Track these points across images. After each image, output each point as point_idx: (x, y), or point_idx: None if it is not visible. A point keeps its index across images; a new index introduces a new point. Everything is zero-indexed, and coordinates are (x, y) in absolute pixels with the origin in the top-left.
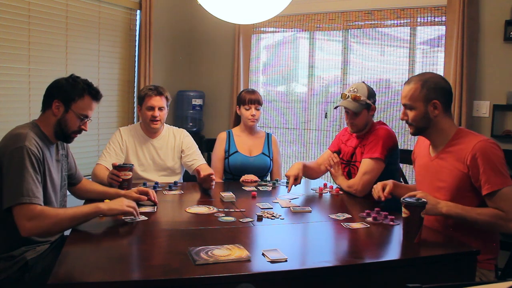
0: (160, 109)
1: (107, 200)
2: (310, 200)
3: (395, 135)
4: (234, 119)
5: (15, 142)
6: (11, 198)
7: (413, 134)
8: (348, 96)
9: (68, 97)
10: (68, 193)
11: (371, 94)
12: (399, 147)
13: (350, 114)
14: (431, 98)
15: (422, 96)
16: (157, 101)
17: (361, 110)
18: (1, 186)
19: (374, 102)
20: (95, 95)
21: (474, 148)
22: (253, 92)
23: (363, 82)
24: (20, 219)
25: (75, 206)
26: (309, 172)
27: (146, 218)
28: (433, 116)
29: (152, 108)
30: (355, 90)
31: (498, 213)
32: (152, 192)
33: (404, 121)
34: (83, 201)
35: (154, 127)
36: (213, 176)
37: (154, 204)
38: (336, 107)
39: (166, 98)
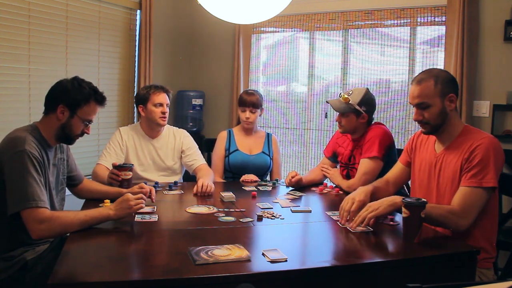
0: (167, 105)
1: (107, 203)
2: (310, 200)
3: (391, 133)
4: (237, 118)
5: (14, 146)
6: (17, 203)
7: (428, 133)
8: (341, 96)
9: (74, 102)
10: (68, 192)
11: (365, 103)
12: (399, 147)
13: (339, 112)
14: (447, 92)
15: (438, 91)
16: (164, 97)
17: (346, 111)
18: (3, 191)
19: (367, 111)
20: (101, 100)
21: (476, 142)
22: (251, 94)
23: (366, 89)
24: (31, 222)
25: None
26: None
27: (156, 219)
28: (449, 110)
29: (161, 105)
30: (350, 92)
31: (452, 208)
32: (151, 190)
33: (416, 122)
34: (83, 201)
35: (163, 123)
36: (207, 188)
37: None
38: (326, 102)
39: (169, 97)
